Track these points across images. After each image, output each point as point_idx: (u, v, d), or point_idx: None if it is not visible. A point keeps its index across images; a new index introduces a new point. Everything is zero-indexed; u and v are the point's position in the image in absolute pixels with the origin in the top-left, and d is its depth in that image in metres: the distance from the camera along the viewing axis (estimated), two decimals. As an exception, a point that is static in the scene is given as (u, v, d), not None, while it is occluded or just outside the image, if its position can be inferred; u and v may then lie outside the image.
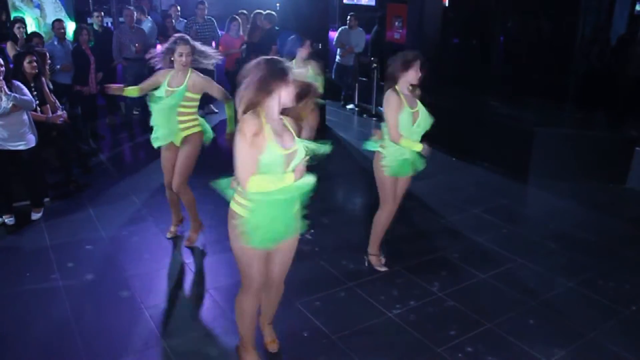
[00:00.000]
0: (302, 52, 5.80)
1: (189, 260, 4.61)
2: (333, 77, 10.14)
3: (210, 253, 4.71)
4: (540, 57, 8.83)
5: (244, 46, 8.82)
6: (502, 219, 5.50)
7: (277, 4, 9.83)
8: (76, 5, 10.88)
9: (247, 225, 2.78)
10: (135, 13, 8.52)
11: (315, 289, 4.17)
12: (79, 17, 10.45)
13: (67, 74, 7.47)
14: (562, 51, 8.57)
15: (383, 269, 4.48)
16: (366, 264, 4.52)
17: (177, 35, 4.49)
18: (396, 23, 10.13)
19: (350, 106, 10.26)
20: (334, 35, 10.14)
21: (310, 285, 4.24)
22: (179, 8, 9.74)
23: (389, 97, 4.01)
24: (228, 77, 8.87)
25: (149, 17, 9.33)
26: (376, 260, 4.50)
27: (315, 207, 5.66)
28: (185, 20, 9.43)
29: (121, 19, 9.23)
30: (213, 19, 9.23)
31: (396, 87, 4.04)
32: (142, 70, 8.36)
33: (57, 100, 6.11)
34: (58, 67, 7.29)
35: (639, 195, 6.23)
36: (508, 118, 7.18)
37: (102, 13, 8.92)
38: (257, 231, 2.78)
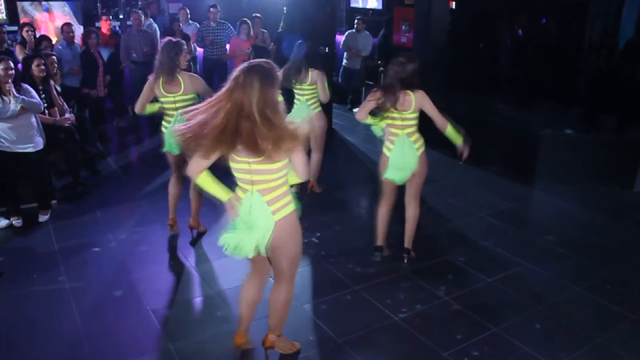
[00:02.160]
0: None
1: (195, 262, 4.62)
2: (340, 80, 10.15)
3: (217, 256, 4.72)
4: (548, 60, 8.80)
5: (250, 49, 8.85)
6: (509, 222, 5.48)
7: (284, 8, 9.83)
8: (84, 9, 10.96)
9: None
10: (142, 16, 8.56)
11: (321, 292, 4.17)
12: (87, 20, 10.52)
13: (75, 77, 7.51)
14: (570, 54, 8.54)
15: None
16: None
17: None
18: (403, 27, 10.12)
19: (356, 110, 10.24)
20: (340, 38, 10.15)
21: (316, 288, 4.24)
22: (188, 11, 9.76)
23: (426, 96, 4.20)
24: None
25: (150, 20, 9.36)
26: None
27: (321, 210, 5.70)
28: (197, 24, 9.46)
29: (129, 23, 9.28)
30: (227, 22, 9.24)
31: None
32: (150, 73, 8.40)
33: (64, 103, 6.15)
34: (66, 70, 7.32)
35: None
36: (515, 121, 7.16)
37: (110, 17, 8.99)
38: None
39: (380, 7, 11.85)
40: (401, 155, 4.23)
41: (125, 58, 8.34)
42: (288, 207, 2.92)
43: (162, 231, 5.19)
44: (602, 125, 7.27)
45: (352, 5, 12.59)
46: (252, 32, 9.07)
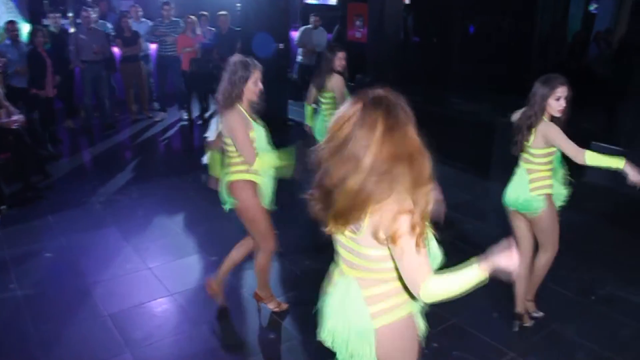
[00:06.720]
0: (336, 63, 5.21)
1: (152, 265, 4.54)
2: (296, 76, 10.14)
3: (174, 257, 4.65)
4: (499, 54, 8.99)
5: (198, 45, 8.73)
6: (465, 214, 5.57)
7: (238, 5, 9.74)
8: (30, 6, 10.61)
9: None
10: (92, 14, 8.34)
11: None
12: (33, 18, 10.18)
13: (22, 78, 7.26)
14: (520, 49, 8.74)
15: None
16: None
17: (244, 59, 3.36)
18: (357, 22, 10.17)
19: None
20: (295, 34, 10.14)
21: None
22: (140, 9, 9.55)
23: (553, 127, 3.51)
24: (185, 77, 8.80)
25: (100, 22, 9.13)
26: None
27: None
28: (150, 22, 9.29)
29: (78, 21, 9.02)
30: (180, 20, 9.09)
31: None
32: (100, 73, 8.21)
33: (10, 105, 5.95)
34: (10, 70, 7.07)
35: (597, 189, 6.36)
36: (468, 114, 7.26)
37: (60, 14, 8.73)
38: None
39: (334, 3, 11.89)
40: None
41: (75, 57, 8.11)
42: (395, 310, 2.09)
43: (117, 233, 5.08)
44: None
45: (306, 1, 12.58)
46: (198, 30, 8.96)
